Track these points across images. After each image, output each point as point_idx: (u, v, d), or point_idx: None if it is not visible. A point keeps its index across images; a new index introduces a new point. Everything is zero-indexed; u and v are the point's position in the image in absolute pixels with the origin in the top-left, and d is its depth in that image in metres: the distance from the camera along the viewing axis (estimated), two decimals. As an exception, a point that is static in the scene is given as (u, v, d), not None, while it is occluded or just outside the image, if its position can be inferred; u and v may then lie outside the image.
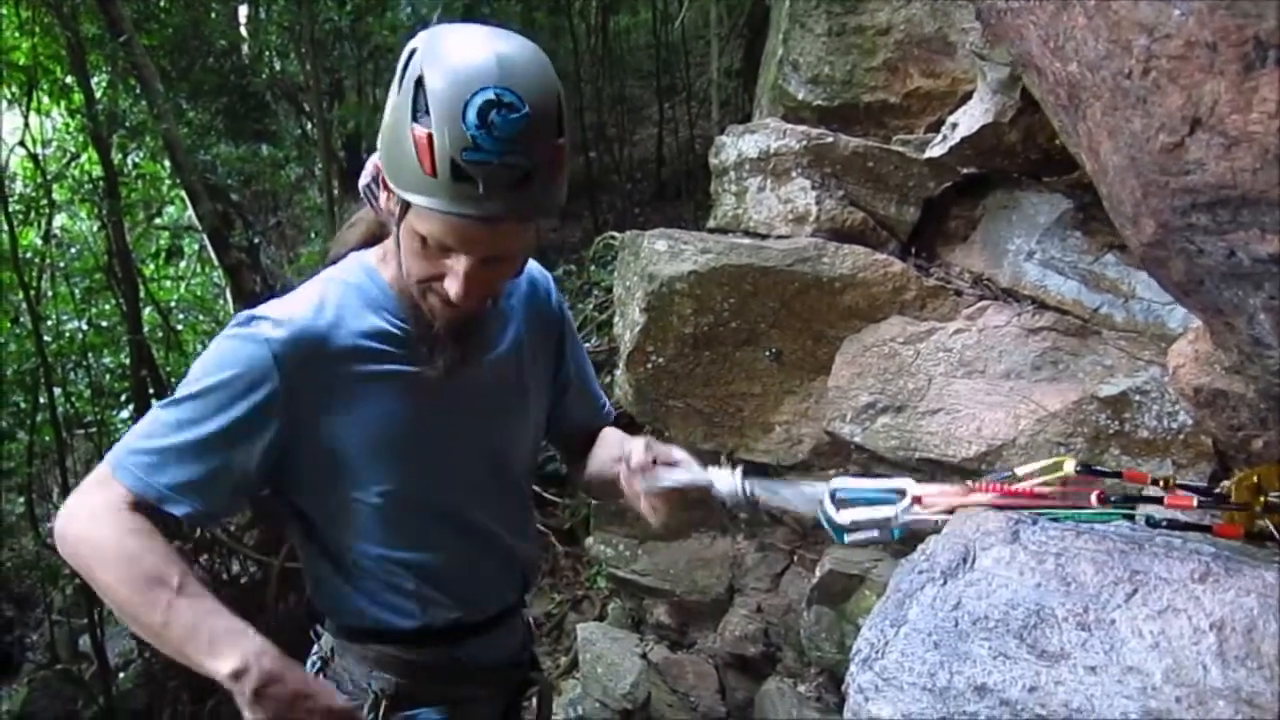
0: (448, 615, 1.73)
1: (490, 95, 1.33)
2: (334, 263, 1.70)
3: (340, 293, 1.61)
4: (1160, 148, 1.22)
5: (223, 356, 1.52)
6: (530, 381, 1.84)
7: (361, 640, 1.72)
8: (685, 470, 1.61)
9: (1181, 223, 1.27)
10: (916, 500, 1.49)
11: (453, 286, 1.46)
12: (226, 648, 1.39)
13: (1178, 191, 1.24)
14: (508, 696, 1.89)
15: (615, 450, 1.82)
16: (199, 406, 1.50)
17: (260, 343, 1.51)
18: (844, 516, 1.51)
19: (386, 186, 1.47)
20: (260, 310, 1.56)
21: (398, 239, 1.51)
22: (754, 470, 4.01)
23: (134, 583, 1.43)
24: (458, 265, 1.45)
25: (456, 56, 1.37)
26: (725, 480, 1.58)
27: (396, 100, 1.41)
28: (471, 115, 1.32)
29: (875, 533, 1.51)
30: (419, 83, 1.36)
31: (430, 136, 1.34)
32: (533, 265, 1.83)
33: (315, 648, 1.80)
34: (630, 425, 5.85)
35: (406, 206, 1.43)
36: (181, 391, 1.52)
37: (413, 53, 1.41)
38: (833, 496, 1.54)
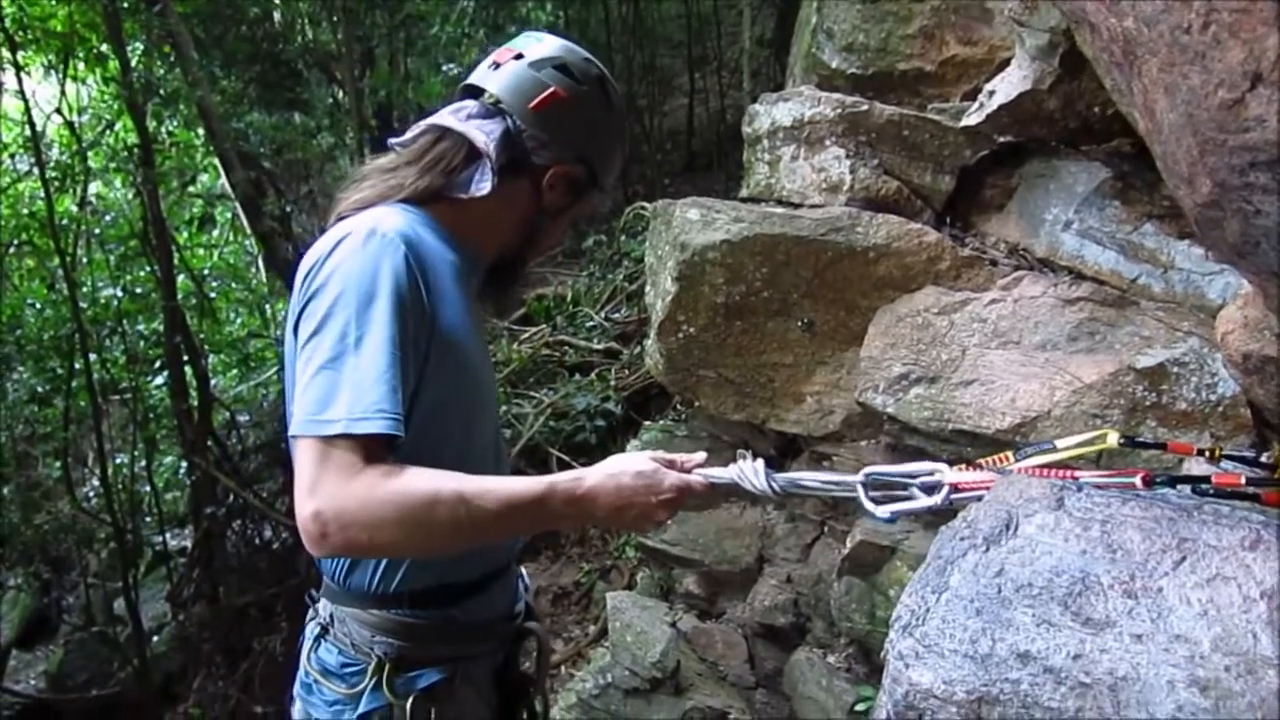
0: (451, 574, 1.74)
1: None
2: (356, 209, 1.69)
3: (413, 220, 1.65)
4: (1219, 104, 1.19)
5: (377, 267, 1.51)
6: None
7: (363, 605, 1.72)
8: (710, 469, 1.68)
9: (1239, 182, 1.24)
10: (954, 488, 1.48)
11: (559, 237, 1.93)
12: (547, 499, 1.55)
13: (1236, 149, 1.20)
14: (505, 648, 1.92)
15: None
16: (381, 318, 1.48)
17: (396, 246, 1.53)
18: (883, 511, 1.54)
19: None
20: (374, 226, 1.55)
21: (512, 218, 1.79)
22: (783, 442, 4.02)
23: (431, 520, 1.44)
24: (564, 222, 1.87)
25: (584, 59, 1.77)
26: (750, 478, 1.63)
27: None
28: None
29: (918, 500, 1.51)
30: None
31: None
32: None
33: (311, 613, 1.82)
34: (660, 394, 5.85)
35: (588, 191, 1.81)
36: (350, 319, 1.47)
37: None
38: (866, 483, 1.56)
